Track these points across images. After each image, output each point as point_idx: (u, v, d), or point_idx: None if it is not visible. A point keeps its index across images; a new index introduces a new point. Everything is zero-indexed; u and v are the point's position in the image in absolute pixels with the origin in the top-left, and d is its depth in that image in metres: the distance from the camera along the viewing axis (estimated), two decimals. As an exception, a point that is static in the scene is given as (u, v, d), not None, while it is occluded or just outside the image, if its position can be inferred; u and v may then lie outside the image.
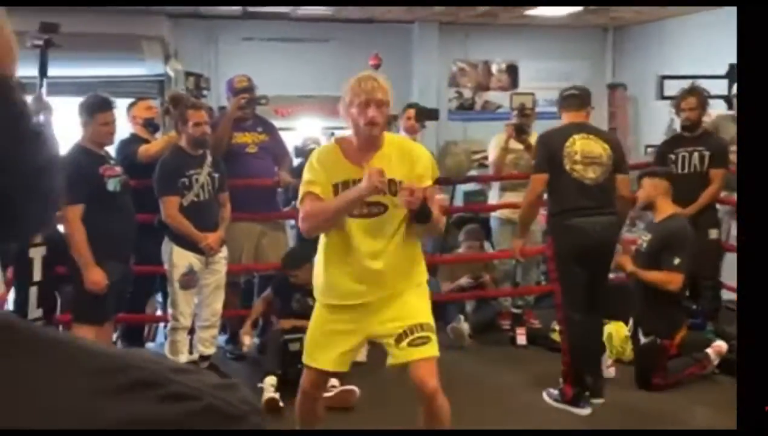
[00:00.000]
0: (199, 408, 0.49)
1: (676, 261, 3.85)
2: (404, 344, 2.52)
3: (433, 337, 2.56)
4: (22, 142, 0.49)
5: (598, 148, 3.64)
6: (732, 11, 7.35)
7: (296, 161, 4.88)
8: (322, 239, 2.62)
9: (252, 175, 4.46)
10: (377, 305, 2.56)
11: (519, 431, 3.46)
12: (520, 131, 4.77)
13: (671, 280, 3.86)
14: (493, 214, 5.27)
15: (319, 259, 2.65)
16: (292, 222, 5.27)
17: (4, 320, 0.50)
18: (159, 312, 5.00)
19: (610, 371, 4.11)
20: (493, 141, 5.15)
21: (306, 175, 2.54)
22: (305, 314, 4.15)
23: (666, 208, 4.01)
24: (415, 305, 2.57)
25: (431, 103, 7.28)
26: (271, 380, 3.76)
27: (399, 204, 2.48)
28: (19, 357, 0.48)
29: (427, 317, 2.58)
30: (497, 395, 3.94)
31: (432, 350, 2.54)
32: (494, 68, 8.56)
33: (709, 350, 4.10)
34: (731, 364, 4.13)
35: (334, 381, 3.77)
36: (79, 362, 0.49)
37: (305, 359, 2.69)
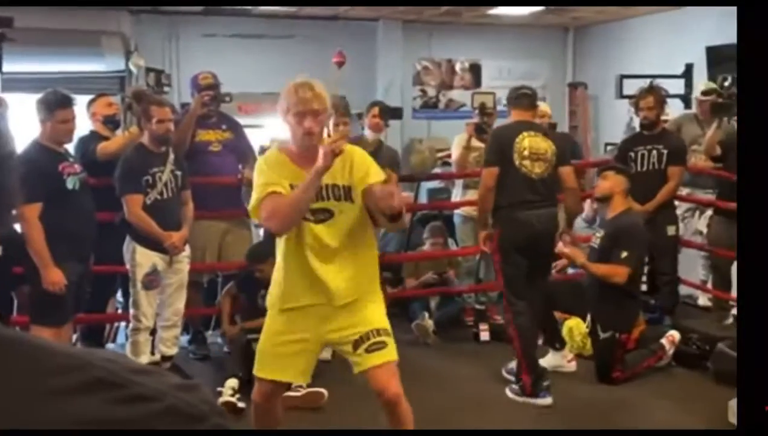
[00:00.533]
0: (161, 409, 0.48)
1: (623, 254, 3.94)
2: (361, 350, 2.48)
3: (390, 341, 2.52)
4: None
5: (544, 145, 3.79)
6: (689, 12, 7.53)
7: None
8: (280, 243, 2.58)
9: (215, 173, 4.42)
10: (330, 311, 2.52)
11: (496, 431, 3.50)
12: (480, 131, 4.83)
13: (617, 272, 3.95)
14: (456, 211, 5.32)
15: (277, 264, 2.61)
16: (257, 220, 5.24)
17: None
18: (120, 312, 4.92)
19: (570, 366, 4.19)
20: (455, 140, 5.21)
21: (260, 179, 2.49)
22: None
23: (620, 205, 4.10)
24: (370, 310, 2.54)
25: (395, 100, 7.31)
26: (231, 383, 3.73)
27: (345, 209, 2.48)
28: None
29: (382, 321, 2.54)
30: (461, 390, 3.97)
31: (389, 354, 2.50)
32: (458, 67, 8.62)
33: (663, 341, 4.21)
34: (687, 356, 4.24)
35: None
36: (37, 361, 0.48)
37: (256, 371, 2.62)
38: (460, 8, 7.40)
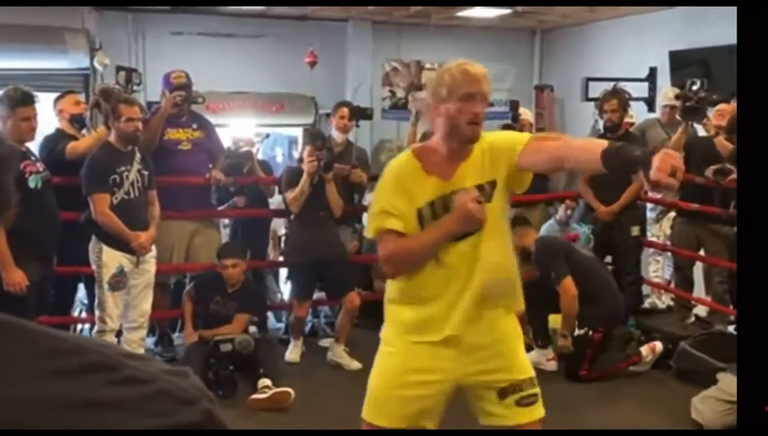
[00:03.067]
0: (152, 391, 0.50)
1: (552, 275, 4.09)
2: (510, 401, 2.07)
3: (539, 392, 2.14)
4: None
5: None
6: (653, 17, 7.65)
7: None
8: None
9: (184, 172, 4.37)
10: (473, 343, 2.07)
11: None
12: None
13: (565, 292, 4.06)
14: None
15: (398, 287, 2.13)
16: (226, 221, 5.20)
17: None
18: (84, 314, 4.84)
19: (550, 364, 4.24)
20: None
21: (381, 202, 2.06)
22: (224, 317, 4.09)
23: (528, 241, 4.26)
24: (520, 353, 2.16)
25: (365, 101, 7.31)
26: None
27: (488, 212, 2.02)
28: None
29: (531, 368, 2.17)
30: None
31: (542, 410, 2.13)
32: (427, 68, 8.67)
33: (642, 348, 4.25)
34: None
35: (267, 382, 3.74)
36: (36, 344, 0.49)
37: (372, 417, 2.13)
38: (429, 10, 7.44)
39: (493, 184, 2.06)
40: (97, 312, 3.89)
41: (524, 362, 2.15)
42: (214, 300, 4.12)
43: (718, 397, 3.34)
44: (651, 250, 5.46)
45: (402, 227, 2.02)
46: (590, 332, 4.07)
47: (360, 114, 5.01)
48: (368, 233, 2.13)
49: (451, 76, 2.01)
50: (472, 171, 2.05)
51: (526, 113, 5.73)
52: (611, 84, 5.18)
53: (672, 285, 5.37)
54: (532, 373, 2.14)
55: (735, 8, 6.86)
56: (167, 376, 0.52)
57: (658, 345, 4.28)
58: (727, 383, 3.28)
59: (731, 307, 4.53)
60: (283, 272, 5.32)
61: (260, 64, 7.68)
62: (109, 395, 0.48)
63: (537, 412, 2.11)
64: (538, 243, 4.23)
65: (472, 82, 2.00)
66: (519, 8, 7.26)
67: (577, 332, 4.13)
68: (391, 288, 2.16)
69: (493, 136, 2.13)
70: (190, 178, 4.40)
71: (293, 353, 4.41)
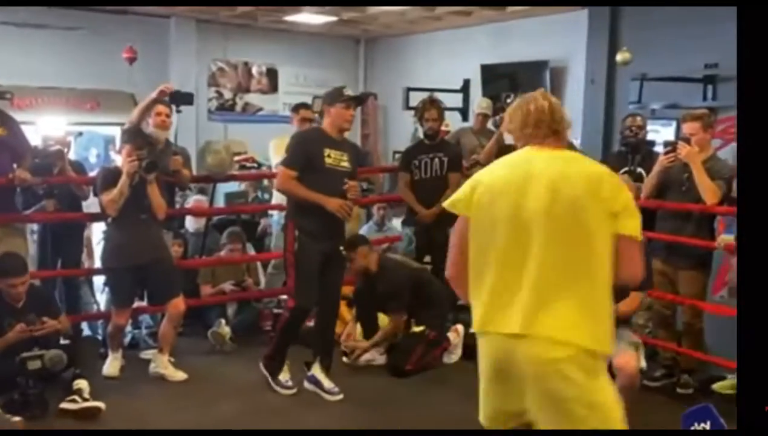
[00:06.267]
0: None
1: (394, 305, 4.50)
2: None
3: None
4: None
5: None
6: (466, 33, 8.16)
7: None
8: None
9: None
10: None
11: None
12: None
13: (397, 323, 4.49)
14: (275, 216, 5.40)
15: None
16: (34, 226, 4.78)
17: None
18: None
19: (382, 358, 4.49)
20: (272, 146, 5.28)
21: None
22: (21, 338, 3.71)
23: None
24: None
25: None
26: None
27: None
28: None
29: None
30: (260, 395, 3.98)
31: None
32: (254, 70, 8.61)
33: (449, 334, 4.61)
34: (471, 349, 4.64)
35: (82, 384, 3.54)
36: None
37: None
38: (256, 12, 7.41)
39: None
40: None
41: None
42: (6, 322, 3.70)
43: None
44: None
45: None
46: (427, 331, 4.41)
47: (181, 99, 4.75)
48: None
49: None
50: None
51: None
52: (429, 94, 5.50)
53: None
54: None
55: (538, 27, 7.53)
56: None
57: (460, 327, 4.67)
58: None
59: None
60: (99, 282, 5.00)
61: (74, 58, 7.19)
62: None
63: None
64: (388, 274, 4.52)
65: None
66: (344, 15, 7.46)
67: (415, 329, 4.45)
68: None
69: None
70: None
71: (112, 366, 4.17)
